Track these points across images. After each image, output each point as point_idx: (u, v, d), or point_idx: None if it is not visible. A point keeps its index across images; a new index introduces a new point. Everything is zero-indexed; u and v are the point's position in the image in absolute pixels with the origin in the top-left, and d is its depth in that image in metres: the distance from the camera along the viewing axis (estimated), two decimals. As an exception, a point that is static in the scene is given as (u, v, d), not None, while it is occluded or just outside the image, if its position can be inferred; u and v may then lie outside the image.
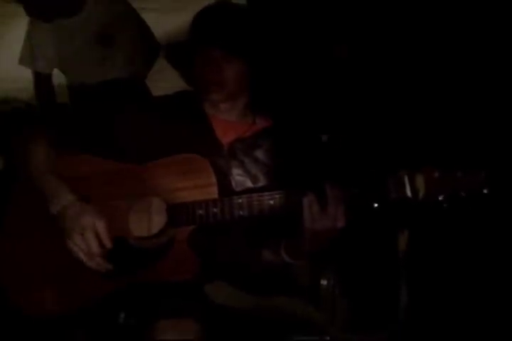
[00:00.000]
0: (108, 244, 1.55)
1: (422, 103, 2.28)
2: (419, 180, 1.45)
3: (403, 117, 2.29)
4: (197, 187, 1.59)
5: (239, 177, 1.72)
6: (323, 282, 1.85)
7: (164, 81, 2.89)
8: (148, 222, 1.60)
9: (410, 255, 1.90)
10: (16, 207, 1.70)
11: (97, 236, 1.55)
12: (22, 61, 2.91)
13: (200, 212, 1.57)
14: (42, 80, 2.93)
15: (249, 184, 1.72)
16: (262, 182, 1.73)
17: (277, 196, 1.54)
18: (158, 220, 1.59)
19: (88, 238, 1.54)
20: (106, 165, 1.66)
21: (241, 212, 1.55)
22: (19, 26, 2.96)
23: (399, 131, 2.28)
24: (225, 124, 1.76)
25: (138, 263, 1.59)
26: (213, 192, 1.59)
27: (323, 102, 2.50)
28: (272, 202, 1.54)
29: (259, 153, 1.76)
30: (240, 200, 1.56)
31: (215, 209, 1.56)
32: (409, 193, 1.46)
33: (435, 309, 2.06)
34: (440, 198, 1.43)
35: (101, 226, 1.55)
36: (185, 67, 1.76)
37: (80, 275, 1.60)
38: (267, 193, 1.55)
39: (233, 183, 1.71)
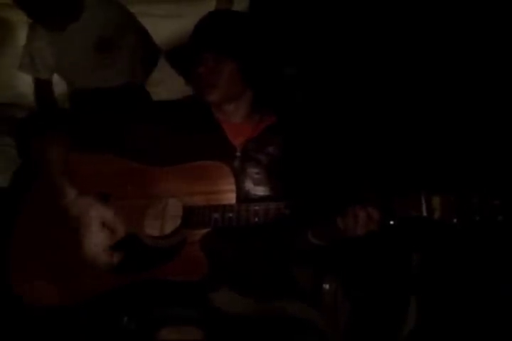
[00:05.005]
0: (119, 229, 1.57)
1: (448, 130, 2.30)
2: (436, 201, 1.49)
3: (426, 139, 2.31)
4: (216, 192, 1.61)
5: (257, 176, 1.75)
6: (326, 286, 1.88)
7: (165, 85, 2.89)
8: (162, 222, 1.62)
9: (422, 273, 1.93)
10: (31, 204, 1.71)
11: (106, 226, 1.56)
12: (21, 67, 2.90)
13: (216, 215, 1.59)
14: (42, 86, 2.92)
15: (267, 181, 1.74)
16: (278, 177, 1.75)
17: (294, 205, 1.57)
18: (172, 221, 1.61)
19: (96, 229, 1.56)
20: (127, 164, 1.68)
21: (256, 219, 1.58)
22: (23, 32, 2.92)
23: (419, 152, 2.31)
24: (233, 127, 1.80)
25: (146, 261, 1.61)
26: (231, 199, 1.61)
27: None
28: (288, 211, 1.57)
29: (271, 149, 1.79)
30: (257, 207, 1.58)
31: (230, 214, 1.58)
32: (425, 213, 1.50)
33: (443, 326, 2.09)
34: (455, 220, 1.47)
35: (108, 215, 1.57)
36: (187, 72, 1.79)
37: (84, 269, 1.60)
38: (283, 203, 1.57)
39: (251, 183, 1.74)
